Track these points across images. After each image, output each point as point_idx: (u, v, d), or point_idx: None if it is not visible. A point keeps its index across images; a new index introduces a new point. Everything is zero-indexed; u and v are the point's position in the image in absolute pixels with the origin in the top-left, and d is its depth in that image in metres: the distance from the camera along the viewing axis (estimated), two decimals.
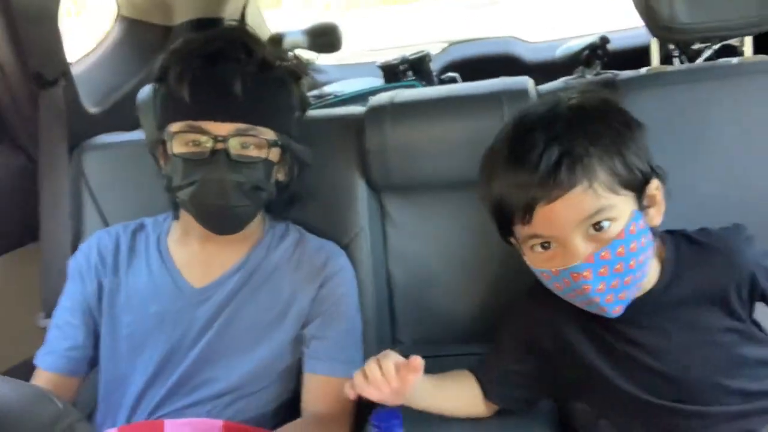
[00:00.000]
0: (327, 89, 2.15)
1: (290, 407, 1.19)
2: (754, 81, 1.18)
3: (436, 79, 2.26)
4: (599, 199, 0.87)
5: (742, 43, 1.85)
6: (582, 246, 0.87)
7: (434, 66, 2.32)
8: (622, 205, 0.88)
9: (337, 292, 1.20)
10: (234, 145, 1.08)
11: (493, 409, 1.08)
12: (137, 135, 1.47)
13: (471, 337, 1.31)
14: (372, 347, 1.27)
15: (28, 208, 1.43)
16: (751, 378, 0.92)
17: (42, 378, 1.19)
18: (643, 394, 0.95)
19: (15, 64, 1.38)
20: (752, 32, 1.42)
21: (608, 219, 0.87)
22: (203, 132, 1.08)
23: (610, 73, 1.29)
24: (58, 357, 1.19)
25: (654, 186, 0.93)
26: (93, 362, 1.22)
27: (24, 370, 1.21)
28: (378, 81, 2.25)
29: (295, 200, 1.26)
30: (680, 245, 0.99)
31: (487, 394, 1.06)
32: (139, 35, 1.88)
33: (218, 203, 1.09)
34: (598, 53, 2.10)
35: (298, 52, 1.26)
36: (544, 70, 1.79)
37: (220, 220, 1.13)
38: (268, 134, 1.12)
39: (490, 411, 1.08)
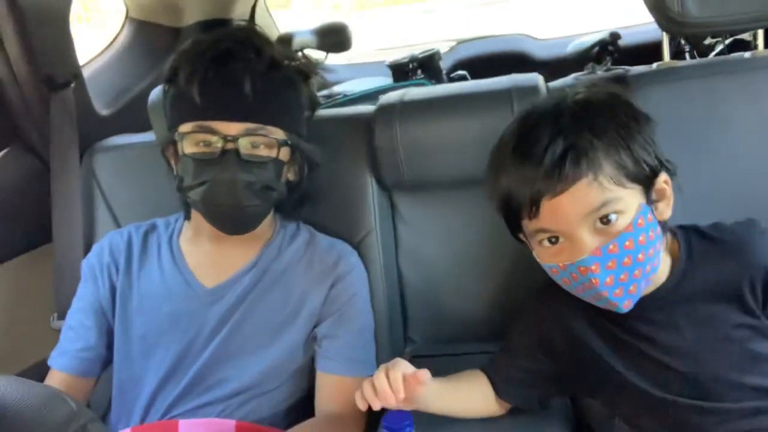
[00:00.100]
0: (336, 89, 2.16)
1: (303, 407, 1.19)
2: (766, 75, 1.17)
3: (445, 77, 2.26)
4: (605, 191, 0.86)
5: (754, 38, 1.84)
6: (589, 239, 0.87)
7: (443, 64, 2.32)
8: (629, 198, 0.88)
9: (349, 292, 1.20)
10: (244, 145, 1.09)
11: (506, 408, 1.07)
12: (148, 136, 1.47)
13: (483, 336, 1.30)
14: (384, 346, 1.27)
15: (40, 210, 1.44)
16: (765, 374, 0.91)
17: (55, 379, 1.19)
18: (657, 390, 0.94)
19: (26, 67, 1.39)
20: (764, 26, 1.40)
21: (615, 212, 0.87)
22: (213, 132, 1.08)
23: (620, 69, 1.28)
24: (71, 358, 1.20)
25: (662, 179, 0.92)
26: (106, 363, 1.23)
27: (38, 372, 1.21)
28: (387, 80, 2.25)
29: (305, 200, 1.26)
30: (692, 240, 0.98)
31: (499, 392, 1.05)
32: (148, 37, 1.89)
33: (229, 203, 1.10)
34: (608, 49, 2.10)
35: (307, 52, 1.26)
36: (554, 67, 1.77)
37: (231, 220, 1.14)
38: (278, 134, 1.12)
39: (502, 410, 1.07)
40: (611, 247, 0.86)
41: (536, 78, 1.25)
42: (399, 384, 0.91)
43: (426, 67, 2.20)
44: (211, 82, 1.07)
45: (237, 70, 1.08)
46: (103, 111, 1.65)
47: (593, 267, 0.87)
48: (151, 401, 1.14)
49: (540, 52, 2.67)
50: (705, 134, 1.14)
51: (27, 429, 0.50)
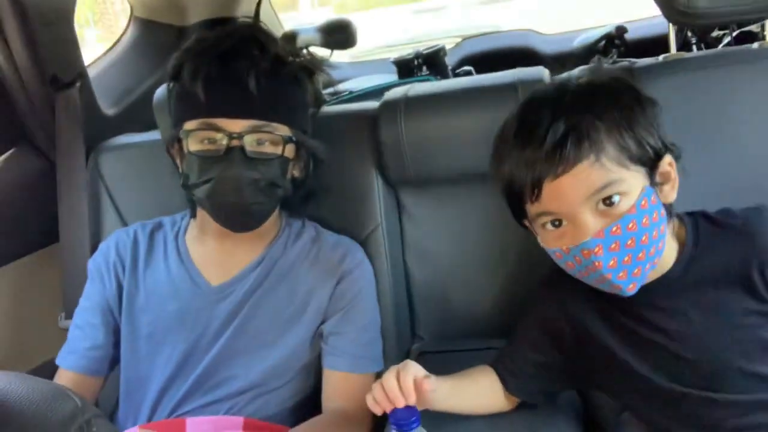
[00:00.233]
0: (341, 86, 2.15)
1: (310, 403, 1.19)
2: None
3: (451, 73, 2.25)
4: (608, 173, 0.86)
5: (762, 29, 1.82)
6: (591, 221, 0.86)
7: (449, 61, 2.31)
8: (633, 180, 0.87)
9: (355, 288, 1.19)
10: (249, 142, 1.08)
11: (515, 403, 1.07)
12: (154, 135, 1.47)
13: (490, 332, 1.30)
14: (391, 342, 1.27)
15: (47, 210, 1.44)
16: None
17: (64, 378, 1.20)
18: (665, 381, 0.93)
19: (31, 66, 1.39)
20: None
21: (618, 193, 0.86)
22: (218, 129, 1.08)
23: (626, 61, 1.27)
24: (79, 357, 1.20)
25: (667, 162, 0.92)
26: (114, 362, 1.23)
27: (46, 371, 1.22)
28: (393, 77, 2.24)
29: (311, 196, 1.26)
30: (700, 225, 0.97)
31: (508, 386, 1.05)
32: (153, 36, 1.89)
33: (234, 200, 1.09)
34: (615, 43, 2.08)
35: (312, 49, 1.26)
36: (561, 62, 1.77)
37: (237, 218, 1.13)
38: (283, 130, 1.12)
39: (511, 405, 1.07)
40: (614, 229, 0.86)
41: (542, 71, 1.25)
42: (410, 387, 0.90)
43: (431, 63, 2.19)
44: (215, 79, 1.07)
45: (241, 67, 1.07)
46: (109, 110, 1.65)
47: (596, 249, 0.86)
48: (158, 399, 1.14)
49: (546, 47, 2.65)
50: (713, 125, 1.13)
51: (31, 425, 0.50)
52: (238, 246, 1.19)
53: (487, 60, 2.51)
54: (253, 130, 1.09)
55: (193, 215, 1.24)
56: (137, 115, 1.61)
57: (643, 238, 0.87)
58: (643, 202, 0.86)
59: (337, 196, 1.30)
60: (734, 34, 1.87)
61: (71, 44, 1.46)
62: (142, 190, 1.43)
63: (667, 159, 0.92)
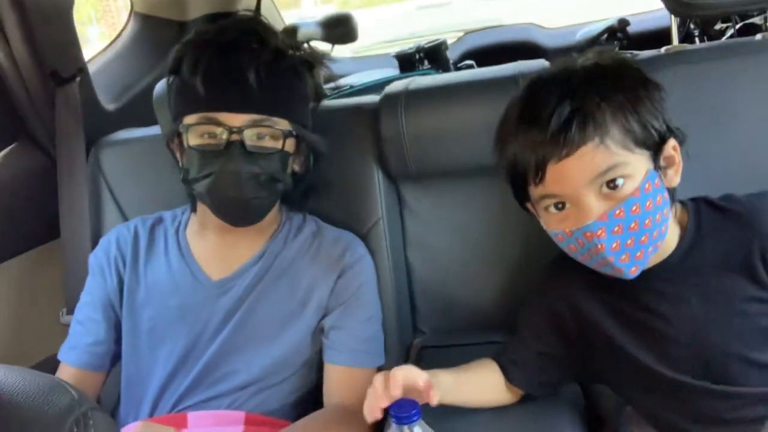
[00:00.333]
0: (343, 81, 2.15)
1: (312, 398, 1.19)
2: None
3: (452, 67, 2.25)
4: (612, 155, 0.86)
5: (765, 21, 1.81)
6: (595, 204, 0.86)
7: (451, 55, 2.31)
8: (637, 163, 0.87)
9: (356, 282, 1.19)
10: (249, 136, 1.08)
11: (518, 396, 1.07)
12: (154, 130, 1.47)
13: (492, 326, 1.30)
14: (392, 337, 1.26)
15: (47, 206, 1.44)
16: None
17: (66, 373, 1.20)
18: (664, 368, 0.93)
19: (31, 61, 1.39)
20: None
21: (622, 176, 0.86)
22: (218, 123, 1.07)
23: (628, 53, 1.26)
24: (81, 352, 1.20)
25: (671, 146, 0.91)
26: (116, 357, 1.22)
27: (48, 367, 1.21)
28: (394, 71, 2.24)
29: (311, 191, 1.25)
30: (702, 211, 0.97)
31: (509, 376, 1.05)
32: (153, 31, 1.89)
33: (234, 195, 1.09)
34: (617, 36, 2.08)
35: (313, 44, 1.25)
36: (563, 56, 1.75)
37: (237, 212, 1.13)
38: (283, 124, 1.12)
39: (514, 398, 1.07)
40: (617, 212, 0.85)
41: (543, 64, 1.24)
42: (397, 380, 0.89)
43: (433, 57, 2.19)
44: (215, 73, 1.07)
45: (241, 61, 1.07)
46: (109, 105, 1.65)
47: (599, 232, 0.86)
48: (159, 395, 1.14)
49: (548, 41, 2.65)
50: (715, 116, 1.13)
51: (28, 418, 0.50)
52: (239, 240, 1.19)
53: (489, 54, 2.50)
54: (253, 125, 1.08)
55: (194, 210, 1.23)
56: (138, 111, 1.61)
57: (647, 221, 0.87)
58: (646, 186, 0.86)
59: (338, 190, 1.30)
60: (737, 26, 1.87)
61: (71, 39, 1.46)
62: (143, 185, 1.43)
63: (672, 143, 0.92)
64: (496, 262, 1.30)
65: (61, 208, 1.42)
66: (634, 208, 0.86)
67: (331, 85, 2.05)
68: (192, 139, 1.10)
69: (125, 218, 1.42)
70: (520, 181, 0.93)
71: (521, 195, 0.96)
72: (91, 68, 1.59)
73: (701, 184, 0.97)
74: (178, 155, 1.18)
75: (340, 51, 2.38)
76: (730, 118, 1.13)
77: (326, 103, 1.32)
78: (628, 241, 0.87)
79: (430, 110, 1.26)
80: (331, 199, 1.29)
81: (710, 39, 2.01)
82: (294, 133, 1.13)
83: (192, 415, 1.10)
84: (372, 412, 0.90)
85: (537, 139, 0.87)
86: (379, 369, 1.19)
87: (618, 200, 0.86)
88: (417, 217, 1.34)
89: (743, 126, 1.13)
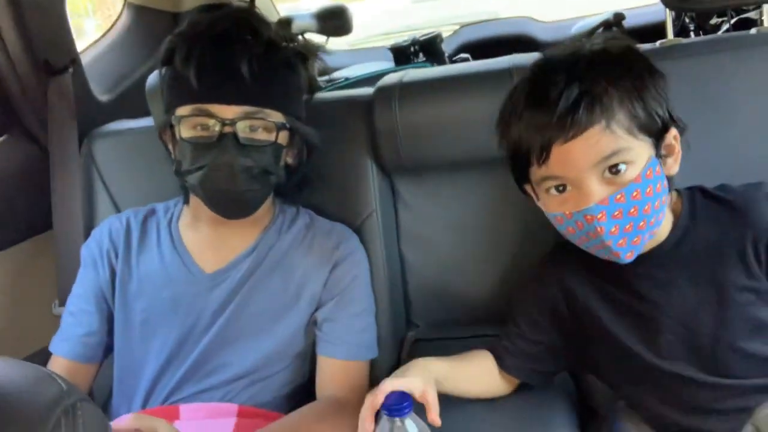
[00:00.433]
0: (337, 74, 2.14)
1: (305, 391, 1.19)
2: None
3: (447, 60, 2.24)
4: (617, 140, 0.86)
5: (760, 15, 1.81)
6: (597, 188, 0.87)
7: (446, 48, 2.30)
8: (640, 149, 0.88)
9: (350, 275, 1.19)
10: (242, 129, 1.07)
11: (513, 385, 1.07)
12: (147, 122, 1.46)
13: (485, 319, 1.30)
14: (386, 330, 1.26)
15: (40, 197, 1.43)
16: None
17: (58, 365, 1.19)
18: (657, 358, 0.93)
19: (23, 52, 1.38)
20: (766, 0, 1.38)
21: (625, 162, 0.86)
22: (210, 115, 1.06)
23: None
24: (73, 344, 1.19)
25: (672, 134, 0.93)
26: (108, 349, 1.22)
27: (40, 358, 1.21)
28: (389, 64, 2.23)
29: (305, 183, 1.25)
30: (696, 199, 0.98)
31: (503, 365, 1.05)
32: (147, 22, 1.88)
33: (227, 187, 1.08)
34: (613, 29, 2.08)
35: (308, 36, 1.24)
36: None
37: (230, 205, 1.12)
38: (277, 117, 1.11)
39: (509, 387, 1.07)
40: (619, 196, 0.86)
41: (537, 57, 1.24)
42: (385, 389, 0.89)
43: (428, 50, 2.18)
44: (207, 64, 1.06)
45: (234, 52, 1.06)
46: (102, 97, 1.64)
47: (599, 215, 0.87)
48: (152, 387, 1.14)
49: (544, 35, 2.65)
50: (710, 110, 1.13)
51: (15, 409, 0.49)
52: (232, 233, 1.19)
53: (484, 47, 2.50)
54: (246, 117, 1.07)
55: (186, 202, 1.23)
56: (131, 102, 1.60)
57: (646, 207, 0.87)
58: (648, 172, 0.87)
59: (332, 183, 1.29)
60: (732, 21, 1.87)
61: (63, 29, 1.45)
62: (136, 177, 1.42)
63: (673, 132, 0.93)
64: (490, 255, 1.30)
65: (53, 199, 1.41)
66: (634, 194, 0.86)
67: (326, 77, 2.04)
68: (184, 131, 1.09)
69: (118, 210, 1.41)
70: (523, 162, 0.93)
71: (521, 176, 0.97)
72: (85, 59, 1.58)
73: (695, 175, 0.98)
74: (170, 147, 1.17)
75: (335, 43, 2.37)
76: (724, 112, 1.13)
77: (320, 95, 1.31)
78: (627, 226, 0.88)
79: (424, 103, 1.25)
80: (324, 191, 1.29)
81: (705, 33, 2.02)
82: (287, 125, 1.12)
83: (184, 408, 1.10)
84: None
85: (543, 121, 0.88)
86: (373, 362, 1.19)
87: (619, 185, 0.87)
88: (411, 209, 1.34)
89: (737, 119, 1.13)
